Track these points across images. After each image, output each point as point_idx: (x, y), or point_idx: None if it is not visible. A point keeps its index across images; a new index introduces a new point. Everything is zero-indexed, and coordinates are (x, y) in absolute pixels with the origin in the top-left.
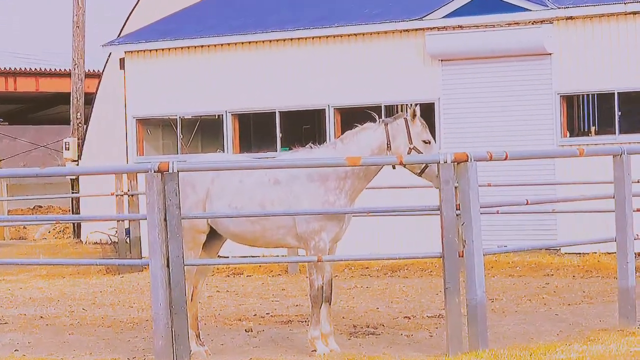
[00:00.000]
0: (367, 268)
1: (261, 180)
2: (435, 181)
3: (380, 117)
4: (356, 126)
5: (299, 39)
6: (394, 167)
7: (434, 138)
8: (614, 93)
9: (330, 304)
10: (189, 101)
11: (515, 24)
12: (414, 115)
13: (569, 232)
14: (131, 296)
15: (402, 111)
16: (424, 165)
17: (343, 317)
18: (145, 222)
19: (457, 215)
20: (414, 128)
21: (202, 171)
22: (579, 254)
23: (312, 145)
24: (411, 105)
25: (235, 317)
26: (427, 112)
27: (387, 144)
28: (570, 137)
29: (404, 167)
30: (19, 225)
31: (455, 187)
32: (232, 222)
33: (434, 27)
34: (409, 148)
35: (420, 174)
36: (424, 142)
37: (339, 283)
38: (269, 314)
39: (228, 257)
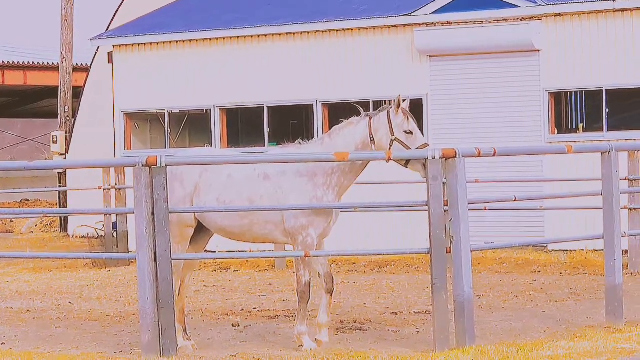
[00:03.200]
0: (354, 264)
1: (250, 175)
2: (422, 172)
3: (367, 112)
4: (343, 121)
5: (287, 34)
6: (387, 161)
7: (422, 132)
8: (602, 90)
9: (331, 295)
10: (177, 95)
11: (503, 20)
12: (398, 106)
13: (556, 229)
14: (118, 290)
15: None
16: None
17: (330, 313)
18: (132, 216)
19: (444, 211)
20: (396, 119)
21: (190, 165)
22: (566, 250)
23: (301, 141)
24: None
25: (222, 311)
26: (416, 107)
27: (371, 137)
28: (558, 134)
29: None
30: (6, 218)
31: (444, 183)
32: (220, 217)
33: (422, 23)
34: (391, 140)
35: (406, 165)
36: (406, 132)
37: None
38: (255, 309)
39: (215, 251)
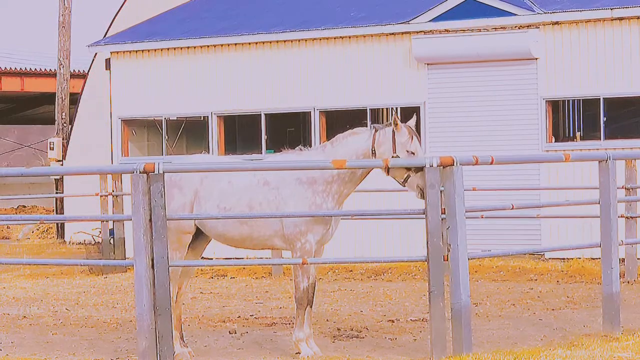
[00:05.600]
0: (351, 271)
1: (250, 182)
2: (417, 192)
3: (366, 120)
4: (347, 129)
5: (285, 41)
6: (387, 173)
7: (420, 141)
8: (599, 98)
9: (311, 307)
10: (174, 102)
11: (501, 28)
12: (396, 124)
13: (553, 237)
14: (115, 297)
15: (387, 114)
16: (406, 175)
17: (327, 320)
18: (129, 222)
19: (442, 219)
20: (400, 137)
21: (188, 172)
22: (563, 259)
23: (302, 147)
24: (396, 109)
25: (219, 318)
26: (413, 115)
27: (372, 151)
28: (555, 142)
29: (388, 174)
30: (3, 224)
31: (441, 191)
32: (220, 223)
33: (420, 31)
34: (393, 157)
35: (403, 184)
36: (408, 152)
37: (323, 286)
38: (252, 315)
39: (212, 258)
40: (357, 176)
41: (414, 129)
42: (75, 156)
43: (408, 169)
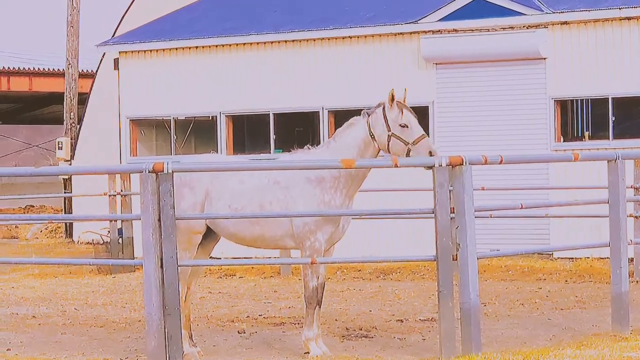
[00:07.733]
0: (359, 271)
1: (260, 181)
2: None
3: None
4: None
5: (293, 41)
6: (388, 151)
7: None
8: (608, 98)
9: (320, 307)
10: (182, 102)
11: (510, 28)
12: (392, 99)
13: (561, 237)
14: (123, 296)
15: None
16: (407, 150)
17: (336, 320)
18: (138, 222)
19: (451, 218)
20: (391, 114)
21: (197, 172)
22: (572, 258)
23: (310, 146)
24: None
25: (228, 318)
26: (422, 115)
27: (371, 135)
28: (564, 141)
29: (388, 152)
30: (11, 224)
31: (450, 191)
32: (232, 223)
33: (429, 31)
34: (388, 135)
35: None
36: (401, 126)
37: (332, 285)
38: (261, 315)
39: (220, 258)
40: (363, 170)
41: (403, 102)
42: (84, 156)
43: (406, 143)
